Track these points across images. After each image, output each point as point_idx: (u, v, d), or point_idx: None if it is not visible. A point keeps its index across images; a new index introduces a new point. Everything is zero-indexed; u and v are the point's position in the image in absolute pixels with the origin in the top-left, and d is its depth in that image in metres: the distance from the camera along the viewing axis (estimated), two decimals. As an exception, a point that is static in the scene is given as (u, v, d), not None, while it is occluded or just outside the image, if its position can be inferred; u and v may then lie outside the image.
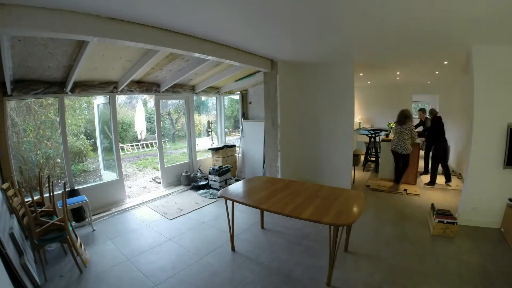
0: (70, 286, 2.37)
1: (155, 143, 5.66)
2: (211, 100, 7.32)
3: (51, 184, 3.14)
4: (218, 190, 4.96)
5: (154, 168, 7.61)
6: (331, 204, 2.41)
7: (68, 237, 2.53)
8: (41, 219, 2.59)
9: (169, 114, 11.94)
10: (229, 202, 2.82)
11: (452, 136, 6.93)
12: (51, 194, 3.11)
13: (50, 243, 2.65)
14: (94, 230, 3.49)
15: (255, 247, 3.03)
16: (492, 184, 3.26)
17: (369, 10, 2.21)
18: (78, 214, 3.63)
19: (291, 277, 2.47)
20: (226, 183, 5.20)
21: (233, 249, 2.96)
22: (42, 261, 2.55)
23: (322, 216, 2.17)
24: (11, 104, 4.19)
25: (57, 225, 2.51)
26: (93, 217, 3.72)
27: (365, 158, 6.56)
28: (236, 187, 3.14)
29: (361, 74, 5.98)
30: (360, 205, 2.41)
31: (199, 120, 10.69)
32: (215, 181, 5.08)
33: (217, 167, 5.15)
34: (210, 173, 5.19)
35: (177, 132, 12.05)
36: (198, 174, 5.56)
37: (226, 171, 5.19)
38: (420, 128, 6.00)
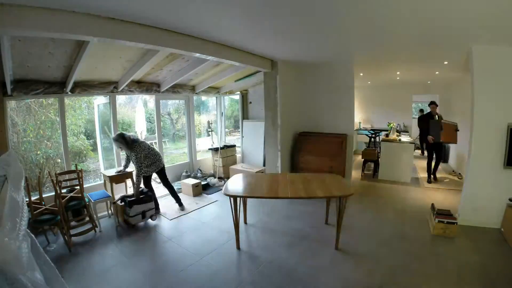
0: (70, 286, 2.37)
1: (155, 143, 5.65)
2: (211, 100, 7.32)
3: (58, 184, 3.12)
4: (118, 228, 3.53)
5: (154, 168, 7.59)
6: (327, 185, 2.94)
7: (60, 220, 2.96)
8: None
9: (169, 114, 11.92)
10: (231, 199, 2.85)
11: (452, 136, 6.93)
12: (58, 192, 3.09)
13: (45, 224, 2.97)
14: (118, 225, 3.63)
15: (255, 247, 3.03)
16: (492, 184, 3.26)
17: (370, 10, 2.21)
18: (77, 212, 3.63)
19: (292, 277, 2.47)
20: (145, 216, 3.50)
21: (238, 247, 2.98)
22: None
23: (331, 192, 2.76)
24: (11, 104, 4.18)
25: (50, 210, 2.97)
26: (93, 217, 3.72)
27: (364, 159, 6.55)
28: (233, 186, 3.08)
29: (361, 74, 5.98)
30: (344, 182, 3.08)
31: (199, 120, 10.69)
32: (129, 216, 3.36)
33: (126, 195, 3.53)
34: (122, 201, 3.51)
35: (177, 132, 12.03)
36: (198, 174, 5.56)
37: (142, 201, 3.46)
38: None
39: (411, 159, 5.39)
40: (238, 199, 2.85)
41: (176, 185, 5.17)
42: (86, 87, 3.80)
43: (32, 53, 2.84)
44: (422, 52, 3.69)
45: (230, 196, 2.78)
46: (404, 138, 6.02)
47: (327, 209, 3.54)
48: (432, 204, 3.51)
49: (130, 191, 4.18)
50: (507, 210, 3.14)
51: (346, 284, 2.35)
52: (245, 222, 3.62)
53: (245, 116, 6.29)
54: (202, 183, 5.03)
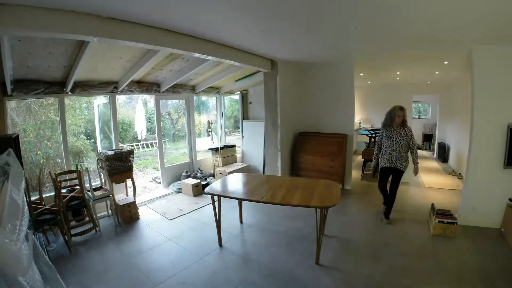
0: (70, 286, 2.37)
1: (155, 143, 5.66)
2: (211, 100, 7.32)
3: (58, 183, 3.13)
4: None
5: (154, 168, 7.61)
6: (313, 193, 2.74)
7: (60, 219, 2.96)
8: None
9: (169, 114, 11.92)
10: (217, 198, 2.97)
11: (452, 136, 6.94)
12: (58, 192, 3.10)
13: (45, 224, 2.96)
14: (117, 225, 3.68)
15: (255, 247, 3.03)
16: (492, 184, 3.26)
17: (370, 11, 2.21)
18: (78, 212, 3.63)
19: (292, 277, 2.47)
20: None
21: (220, 245, 3.06)
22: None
23: (309, 201, 2.53)
24: (11, 104, 4.18)
25: (50, 210, 2.97)
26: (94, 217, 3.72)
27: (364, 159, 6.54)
28: (219, 185, 3.24)
29: (361, 74, 5.97)
30: (336, 191, 2.76)
31: (199, 120, 10.69)
32: None
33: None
34: None
35: (177, 132, 12.03)
36: (198, 174, 5.56)
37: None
38: None
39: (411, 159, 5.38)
40: (216, 197, 2.98)
41: (176, 185, 5.18)
42: (86, 87, 3.80)
43: (32, 53, 2.84)
44: (422, 52, 3.68)
45: (209, 194, 2.95)
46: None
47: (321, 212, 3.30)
48: (432, 204, 3.51)
49: (130, 191, 4.18)
50: (507, 210, 3.14)
51: (346, 283, 2.35)
52: (241, 222, 3.63)
53: (245, 116, 6.29)
54: (202, 183, 5.03)
